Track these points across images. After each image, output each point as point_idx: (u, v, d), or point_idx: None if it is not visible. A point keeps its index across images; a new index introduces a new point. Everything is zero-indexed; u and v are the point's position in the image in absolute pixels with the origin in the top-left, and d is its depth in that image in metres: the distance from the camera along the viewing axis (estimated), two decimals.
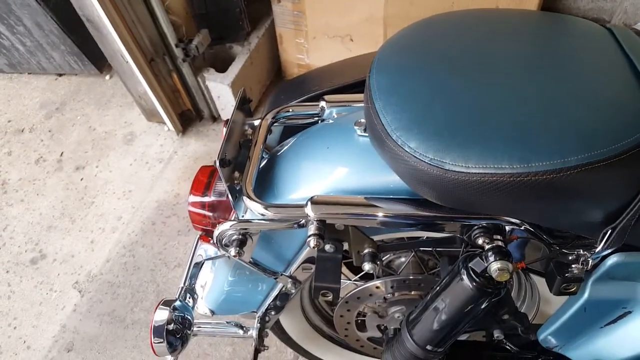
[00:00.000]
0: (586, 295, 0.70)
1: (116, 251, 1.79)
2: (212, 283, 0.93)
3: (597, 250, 0.63)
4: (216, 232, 0.75)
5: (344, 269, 1.09)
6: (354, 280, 1.04)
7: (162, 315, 0.75)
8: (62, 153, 2.19)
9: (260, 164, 0.81)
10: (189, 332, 0.78)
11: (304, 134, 0.84)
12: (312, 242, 0.67)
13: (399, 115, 0.59)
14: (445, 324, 0.74)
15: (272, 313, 0.95)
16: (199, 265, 0.87)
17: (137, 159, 2.08)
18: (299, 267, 0.83)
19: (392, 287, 0.89)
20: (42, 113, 2.38)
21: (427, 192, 0.61)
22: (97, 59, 2.29)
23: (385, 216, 0.66)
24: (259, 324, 0.96)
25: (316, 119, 0.87)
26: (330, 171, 0.73)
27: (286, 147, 0.84)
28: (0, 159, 2.22)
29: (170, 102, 1.92)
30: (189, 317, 0.79)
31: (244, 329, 0.97)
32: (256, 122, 0.86)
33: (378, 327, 1.02)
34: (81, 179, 2.06)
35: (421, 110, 0.59)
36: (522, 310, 1.01)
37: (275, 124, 0.88)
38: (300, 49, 1.88)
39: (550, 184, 0.51)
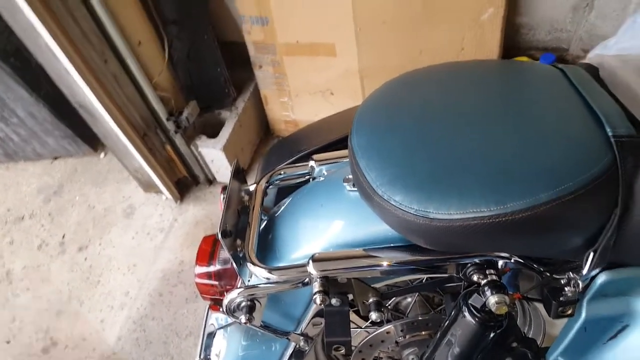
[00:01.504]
0: (583, 315, 0.73)
1: (127, 327, 1.81)
2: (226, 350, 0.95)
3: (584, 272, 0.67)
4: (225, 301, 0.78)
5: (353, 317, 1.12)
6: (365, 327, 1.07)
7: None
8: (63, 235, 2.23)
9: (260, 228, 0.86)
10: None
11: (298, 194, 0.89)
12: (318, 299, 0.71)
13: (382, 171, 0.65)
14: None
15: None
16: (212, 336, 0.90)
17: (138, 231, 2.13)
18: (308, 323, 0.86)
19: (402, 331, 0.92)
20: (40, 198, 2.44)
21: (417, 239, 0.66)
22: (91, 139, 2.37)
23: (384, 265, 0.70)
24: None
25: (307, 177, 0.92)
26: (327, 228, 0.78)
27: (283, 208, 0.88)
28: (3, 249, 2.25)
29: (166, 172, 1.99)
30: None
31: None
32: (252, 188, 0.91)
33: None
34: (85, 259, 2.10)
35: (402, 164, 0.65)
36: (530, 336, 1.04)
37: (270, 187, 0.93)
38: (285, 107, 1.98)
39: (526, 221, 0.56)
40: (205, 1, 1.74)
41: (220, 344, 0.97)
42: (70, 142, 2.39)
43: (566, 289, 0.72)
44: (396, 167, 0.65)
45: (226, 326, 0.90)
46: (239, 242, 0.81)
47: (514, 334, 0.90)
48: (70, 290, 2.00)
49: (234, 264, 0.79)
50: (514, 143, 0.63)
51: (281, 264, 0.79)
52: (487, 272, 0.69)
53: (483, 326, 0.71)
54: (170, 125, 1.76)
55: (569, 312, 0.74)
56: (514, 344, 0.90)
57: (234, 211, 0.85)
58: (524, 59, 1.76)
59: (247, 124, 2.04)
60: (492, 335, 0.73)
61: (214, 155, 1.91)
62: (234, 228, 0.82)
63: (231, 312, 0.80)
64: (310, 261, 0.72)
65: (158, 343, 1.73)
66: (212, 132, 1.96)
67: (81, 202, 2.35)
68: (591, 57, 0.84)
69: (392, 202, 0.62)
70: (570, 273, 0.70)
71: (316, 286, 0.72)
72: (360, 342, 0.95)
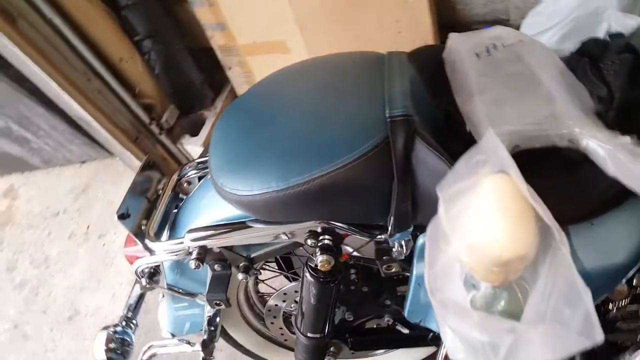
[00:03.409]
0: (414, 272, 0.79)
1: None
2: (166, 311, 1.09)
3: (388, 235, 0.73)
4: (132, 269, 0.91)
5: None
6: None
7: (101, 336, 0.91)
8: (88, 226, 2.44)
9: (170, 210, 0.97)
10: (128, 349, 0.93)
11: (203, 181, 0.99)
12: (192, 264, 0.82)
13: (218, 160, 0.74)
14: (313, 312, 0.85)
15: (212, 328, 1.08)
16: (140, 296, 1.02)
17: None
18: None
19: (296, 291, 1.02)
20: (71, 196, 2.66)
21: (246, 212, 0.75)
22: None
23: (236, 235, 0.80)
24: (205, 337, 1.08)
25: None
26: (209, 207, 0.87)
27: (191, 194, 0.99)
28: (44, 239, 2.50)
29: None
30: (127, 339, 0.94)
31: (191, 344, 1.10)
32: None
33: None
34: (103, 245, 2.30)
35: (231, 154, 0.73)
36: None
37: (190, 176, 1.04)
38: None
39: (309, 192, 0.64)
40: (168, 17, 1.85)
41: (163, 306, 1.11)
42: (91, 148, 2.58)
43: (393, 249, 0.79)
44: (227, 156, 0.74)
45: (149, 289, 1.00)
46: (144, 222, 0.93)
47: (388, 291, 0.97)
48: (91, 272, 2.21)
49: (137, 240, 0.91)
50: (309, 127, 0.70)
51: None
52: (321, 237, 0.76)
53: (320, 282, 0.79)
54: (154, 129, 1.91)
55: (393, 270, 0.80)
56: (387, 302, 0.97)
57: (142, 199, 0.97)
58: None
59: None
60: (334, 289, 0.82)
61: (198, 151, 2.04)
62: (144, 212, 0.94)
63: (139, 277, 0.92)
64: (186, 234, 0.82)
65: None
66: (198, 131, 2.09)
67: (102, 198, 2.56)
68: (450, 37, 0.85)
69: (218, 184, 0.71)
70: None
71: (193, 254, 0.83)
72: (266, 304, 1.05)
